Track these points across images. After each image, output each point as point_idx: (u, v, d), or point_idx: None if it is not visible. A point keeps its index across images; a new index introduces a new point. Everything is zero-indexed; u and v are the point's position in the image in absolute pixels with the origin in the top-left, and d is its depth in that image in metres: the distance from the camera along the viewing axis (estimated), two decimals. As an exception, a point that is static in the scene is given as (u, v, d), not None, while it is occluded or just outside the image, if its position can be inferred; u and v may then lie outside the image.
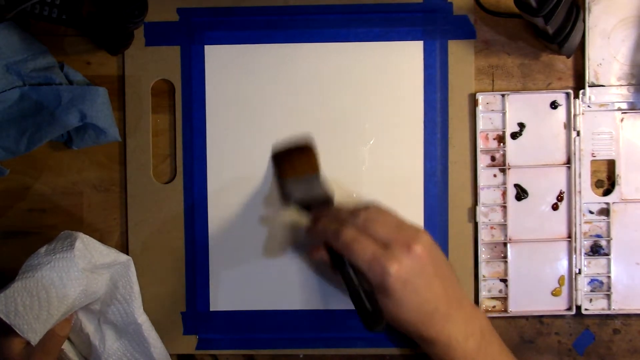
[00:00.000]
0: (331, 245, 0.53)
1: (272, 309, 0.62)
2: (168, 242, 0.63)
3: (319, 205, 0.58)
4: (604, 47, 0.62)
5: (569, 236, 0.62)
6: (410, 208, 0.62)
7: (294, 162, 0.61)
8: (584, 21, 0.61)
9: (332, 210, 0.56)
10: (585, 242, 0.62)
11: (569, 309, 0.62)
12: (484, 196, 0.62)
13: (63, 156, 0.63)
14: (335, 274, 0.54)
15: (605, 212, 0.62)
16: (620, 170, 0.62)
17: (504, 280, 0.62)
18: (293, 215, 0.61)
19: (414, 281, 0.50)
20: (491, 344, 0.54)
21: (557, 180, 0.62)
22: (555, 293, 0.62)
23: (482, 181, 0.62)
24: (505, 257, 0.62)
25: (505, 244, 0.62)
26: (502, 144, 0.62)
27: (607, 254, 0.62)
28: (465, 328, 0.53)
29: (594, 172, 0.62)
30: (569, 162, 0.62)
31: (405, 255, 0.50)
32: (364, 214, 0.52)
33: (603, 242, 0.62)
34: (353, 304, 0.52)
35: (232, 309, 0.63)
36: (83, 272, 0.52)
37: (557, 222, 0.62)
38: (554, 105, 0.62)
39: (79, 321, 0.57)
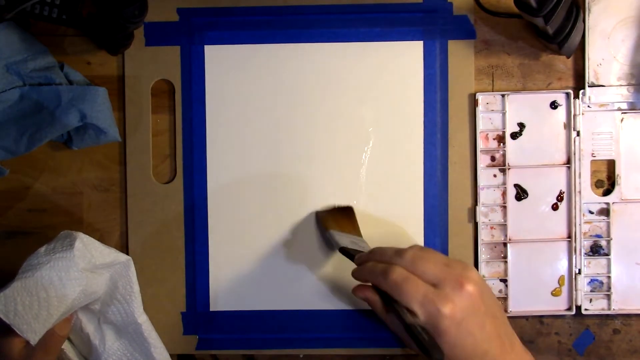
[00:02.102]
0: (380, 286, 0.52)
1: (272, 309, 0.62)
2: (168, 242, 0.63)
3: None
4: (604, 47, 0.62)
5: (569, 236, 0.62)
6: (410, 208, 0.62)
7: (338, 219, 0.61)
8: (584, 21, 0.61)
9: (377, 250, 0.54)
10: (585, 242, 0.62)
11: (569, 309, 0.62)
12: (484, 196, 0.62)
13: (63, 156, 0.63)
14: (387, 312, 0.53)
15: (605, 212, 0.62)
16: (620, 170, 0.62)
17: (504, 280, 0.62)
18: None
19: (468, 321, 0.49)
20: None
21: (557, 180, 0.62)
22: (555, 293, 0.62)
23: (482, 181, 0.62)
24: (505, 257, 0.62)
25: (505, 244, 0.62)
26: (502, 144, 0.62)
27: (607, 254, 0.62)
28: None
29: (594, 172, 0.63)
30: (569, 162, 0.62)
31: (458, 295, 0.49)
32: (410, 253, 0.51)
33: (603, 242, 0.62)
34: (411, 338, 0.50)
35: (232, 309, 0.63)
36: (83, 272, 0.52)
37: (557, 222, 0.62)
38: (554, 105, 0.62)
39: (79, 321, 0.57)
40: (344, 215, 0.61)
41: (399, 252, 0.52)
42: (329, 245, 0.62)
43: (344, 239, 0.58)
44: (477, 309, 0.49)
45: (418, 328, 0.50)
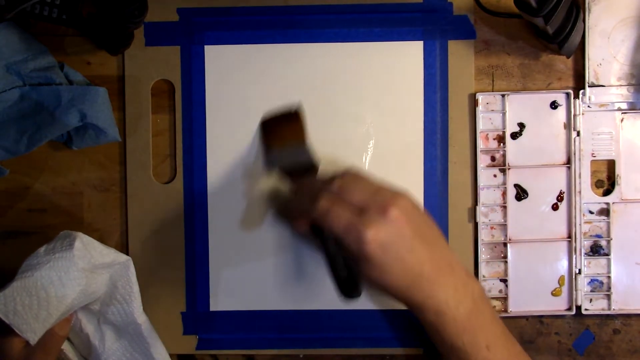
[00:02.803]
0: (309, 218, 0.51)
1: (272, 309, 0.62)
2: (168, 242, 0.63)
3: (301, 173, 0.56)
4: (604, 47, 0.62)
5: (569, 236, 0.62)
6: (410, 208, 0.62)
7: (282, 130, 0.60)
8: (584, 21, 0.61)
9: (311, 179, 0.53)
10: (585, 242, 0.62)
11: (569, 309, 0.62)
12: (484, 196, 0.62)
13: (63, 156, 0.63)
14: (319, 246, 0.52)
15: (605, 212, 0.62)
16: (620, 170, 0.62)
17: (504, 280, 0.62)
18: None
19: (394, 245, 0.48)
20: (483, 312, 0.51)
21: (557, 180, 0.62)
22: (555, 293, 0.62)
23: (482, 181, 0.62)
24: (505, 257, 0.62)
25: (505, 244, 0.62)
26: (502, 144, 0.62)
27: (607, 254, 0.62)
28: (455, 293, 0.50)
29: (594, 172, 0.63)
30: (569, 162, 0.62)
31: (382, 220, 0.47)
32: (338, 181, 0.50)
33: (603, 242, 0.62)
34: (329, 272, 0.50)
35: (232, 309, 0.63)
36: (82, 272, 0.52)
37: (557, 222, 0.62)
38: (554, 105, 0.62)
39: (79, 321, 0.57)
40: (287, 123, 0.60)
41: (328, 182, 0.50)
42: (269, 163, 0.61)
43: (284, 155, 0.57)
44: (403, 234, 0.48)
45: (337, 262, 0.49)
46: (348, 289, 0.50)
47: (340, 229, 0.48)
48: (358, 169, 0.52)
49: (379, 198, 0.49)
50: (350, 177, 0.51)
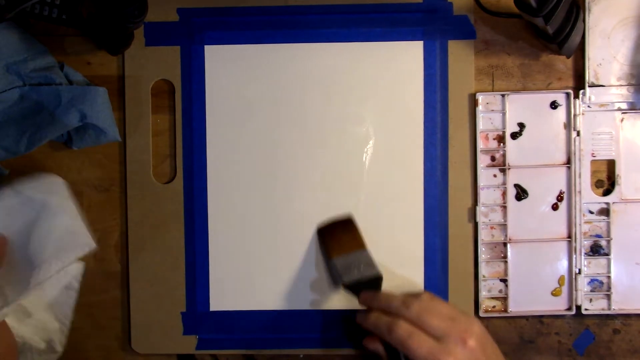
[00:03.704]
0: (385, 339, 0.53)
1: (272, 309, 0.62)
2: (168, 242, 0.63)
3: (369, 286, 0.57)
4: (604, 47, 0.62)
5: (569, 236, 0.62)
6: (410, 208, 0.62)
7: (340, 237, 0.61)
8: (584, 21, 0.61)
9: (382, 297, 0.55)
10: (585, 242, 0.62)
11: (569, 309, 0.62)
12: (484, 196, 0.62)
13: (63, 156, 0.63)
14: None
15: (605, 212, 0.62)
16: (620, 170, 0.62)
17: (504, 280, 0.62)
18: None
19: None
20: None
21: (557, 180, 0.62)
22: (555, 293, 0.62)
23: (482, 181, 0.62)
24: (505, 257, 0.62)
25: (505, 244, 0.62)
26: (502, 144, 0.62)
27: (607, 254, 0.62)
28: None
29: (594, 172, 0.63)
30: (569, 162, 0.62)
31: (461, 349, 0.50)
32: (417, 305, 0.52)
33: (603, 242, 0.62)
34: None
35: (232, 309, 0.63)
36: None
37: (557, 222, 0.62)
38: (554, 105, 0.62)
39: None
40: (344, 230, 0.61)
41: (405, 303, 0.53)
42: (332, 276, 0.62)
43: (347, 268, 0.58)
44: None
45: None
46: None
47: (421, 356, 0.50)
48: (431, 293, 0.55)
49: (457, 327, 0.52)
50: (426, 301, 0.53)
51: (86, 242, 0.58)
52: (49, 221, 0.56)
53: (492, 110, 0.62)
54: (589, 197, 0.62)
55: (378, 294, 0.56)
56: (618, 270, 0.62)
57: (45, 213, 0.56)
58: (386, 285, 0.59)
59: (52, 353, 0.61)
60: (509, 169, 0.62)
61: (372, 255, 0.60)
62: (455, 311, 0.53)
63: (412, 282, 0.62)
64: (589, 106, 0.62)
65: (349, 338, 0.62)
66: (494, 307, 0.62)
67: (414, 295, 0.54)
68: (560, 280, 0.62)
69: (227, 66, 0.62)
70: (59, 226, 0.57)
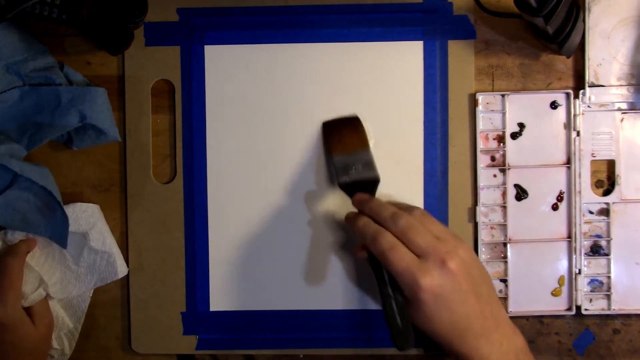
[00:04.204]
0: (368, 248, 0.52)
1: (272, 309, 0.62)
2: (168, 242, 0.63)
3: (365, 189, 0.57)
4: (604, 47, 0.62)
5: (569, 236, 0.62)
6: (410, 208, 0.62)
7: (344, 135, 0.60)
8: (584, 21, 0.61)
9: (375, 204, 0.54)
10: (585, 242, 0.62)
11: (569, 309, 0.62)
12: (484, 196, 0.62)
13: (63, 156, 0.63)
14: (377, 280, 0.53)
15: (605, 212, 0.62)
16: (620, 170, 0.62)
17: (504, 280, 0.62)
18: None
19: (447, 297, 0.49)
20: None
21: (557, 180, 0.62)
22: (555, 293, 0.62)
23: (482, 181, 0.62)
24: (505, 257, 0.62)
25: (505, 244, 0.62)
26: (502, 144, 0.62)
27: (607, 254, 0.62)
28: (500, 348, 0.51)
29: (594, 172, 0.63)
30: (569, 162, 0.62)
31: (439, 270, 0.49)
32: (405, 220, 0.51)
33: (603, 242, 0.62)
34: (384, 316, 0.51)
35: (232, 309, 0.63)
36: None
37: (557, 222, 0.62)
38: (554, 105, 0.62)
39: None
40: (349, 128, 0.60)
41: (394, 216, 0.52)
42: (332, 172, 0.61)
43: (345, 166, 0.57)
44: (459, 287, 0.50)
45: (394, 309, 0.51)
46: (401, 340, 0.51)
47: (398, 270, 0.50)
48: (424, 211, 0.53)
49: (441, 247, 0.50)
50: (417, 216, 0.52)
51: (122, 270, 0.62)
52: (92, 253, 0.61)
53: (492, 110, 0.62)
54: (589, 197, 0.62)
55: (371, 200, 0.55)
56: (618, 270, 0.62)
57: (88, 245, 0.61)
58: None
59: (61, 355, 0.62)
60: (509, 169, 0.62)
61: (372, 157, 0.59)
62: (446, 232, 0.51)
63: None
64: (589, 106, 0.62)
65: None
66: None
67: (406, 208, 0.53)
68: (560, 280, 0.62)
69: (227, 66, 0.62)
70: (101, 258, 0.61)
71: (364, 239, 0.53)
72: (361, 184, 0.57)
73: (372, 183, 0.57)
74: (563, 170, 0.62)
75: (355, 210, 0.57)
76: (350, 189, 0.57)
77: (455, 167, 0.62)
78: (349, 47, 0.62)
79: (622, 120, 0.62)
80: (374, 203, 0.54)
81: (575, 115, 0.61)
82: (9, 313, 0.56)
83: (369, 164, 0.58)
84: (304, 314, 0.62)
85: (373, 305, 0.62)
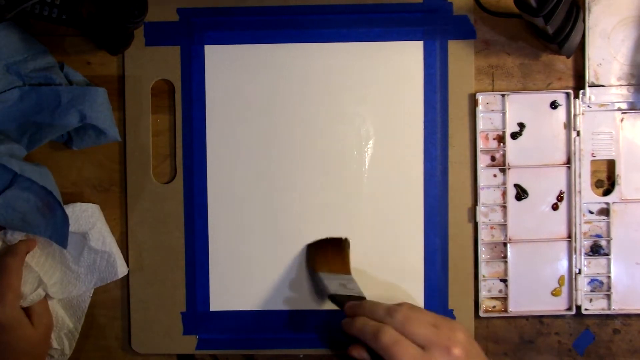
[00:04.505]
0: (370, 345, 0.52)
1: (272, 309, 0.62)
2: (168, 242, 0.63)
3: (353, 300, 0.57)
4: (604, 47, 0.62)
5: (569, 236, 0.62)
6: (410, 208, 0.62)
7: (329, 257, 0.61)
8: (584, 21, 0.61)
9: (367, 305, 0.55)
10: (585, 242, 0.62)
11: (569, 309, 0.62)
12: (484, 196, 0.62)
13: (63, 156, 0.63)
14: None
15: (605, 212, 0.62)
16: (620, 170, 0.62)
17: (504, 280, 0.62)
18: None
19: None
20: None
21: (557, 180, 0.62)
22: (555, 293, 0.62)
23: (482, 181, 0.62)
24: (505, 257, 0.62)
25: (505, 244, 0.62)
26: (502, 144, 0.62)
27: (607, 254, 0.62)
28: None
29: (594, 172, 0.63)
30: (569, 162, 0.62)
31: (446, 358, 0.50)
32: (401, 313, 0.52)
33: (603, 242, 0.62)
34: None
35: (232, 309, 0.63)
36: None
37: (557, 222, 0.62)
38: (554, 105, 0.62)
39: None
40: (334, 251, 0.61)
41: (389, 312, 0.53)
42: (316, 287, 0.62)
43: (333, 283, 0.58)
44: None
45: None
46: None
47: None
48: (410, 303, 0.54)
49: (441, 335, 0.51)
50: (410, 309, 0.53)
51: (122, 270, 0.62)
52: (92, 253, 0.61)
53: (492, 110, 0.62)
54: (589, 197, 0.62)
55: (363, 303, 0.56)
56: (618, 270, 0.62)
57: (88, 245, 0.61)
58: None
59: (61, 355, 0.62)
60: (509, 169, 0.62)
61: (354, 280, 0.60)
62: (438, 318, 0.53)
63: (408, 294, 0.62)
64: (589, 106, 0.62)
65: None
66: (494, 307, 0.62)
67: (396, 305, 0.54)
68: (560, 280, 0.62)
69: (227, 66, 0.62)
70: (101, 258, 0.61)
71: (363, 338, 0.53)
72: (351, 297, 0.57)
73: (360, 298, 0.58)
74: (563, 170, 0.62)
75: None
76: (340, 300, 0.57)
77: (455, 167, 0.62)
78: (348, 47, 0.62)
79: (622, 120, 0.62)
80: (367, 304, 0.55)
81: (575, 115, 0.61)
82: (7, 313, 0.56)
83: (355, 287, 0.59)
84: (304, 314, 0.62)
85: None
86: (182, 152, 0.63)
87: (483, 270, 0.62)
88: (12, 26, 0.60)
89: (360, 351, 0.54)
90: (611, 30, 0.61)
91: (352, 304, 0.56)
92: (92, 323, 0.63)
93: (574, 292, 0.62)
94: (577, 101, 0.61)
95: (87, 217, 0.61)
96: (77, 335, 0.62)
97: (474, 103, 0.62)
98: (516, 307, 0.62)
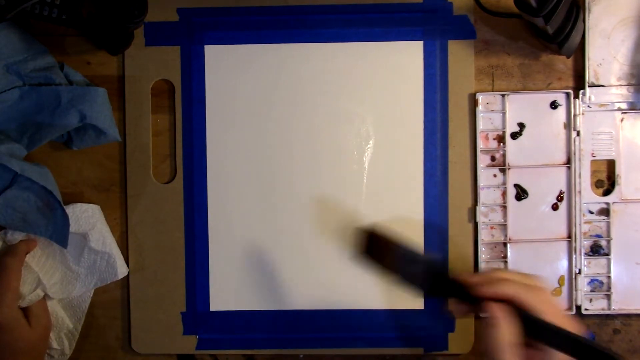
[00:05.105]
0: (524, 299, 0.47)
1: (272, 309, 0.62)
2: (168, 242, 0.63)
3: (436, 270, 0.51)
4: (604, 47, 0.62)
5: (569, 236, 0.62)
6: (410, 208, 0.62)
7: (380, 246, 0.52)
8: (584, 21, 0.61)
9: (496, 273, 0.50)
10: (585, 242, 0.62)
11: (569, 309, 0.62)
12: (484, 196, 0.62)
13: (63, 156, 0.63)
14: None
15: (605, 212, 0.62)
16: (620, 170, 0.62)
17: (504, 280, 0.62)
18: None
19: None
20: None
21: (557, 180, 0.62)
22: (555, 293, 0.62)
23: (482, 181, 0.62)
24: (505, 257, 0.62)
25: (505, 244, 0.62)
26: (502, 144, 0.62)
27: (607, 254, 0.62)
28: None
29: (594, 172, 0.62)
30: (569, 162, 0.62)
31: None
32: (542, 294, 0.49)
33: (603, 242, 0.62)
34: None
35: (232, 309, 0.63)
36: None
37: (557, 222, 0.62)
38: (554, 105, 0.62)
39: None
40: (382, 239, 0.53)
41: (524, 287, 0.48)
42: (404, 267, 0.52)
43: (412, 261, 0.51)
44: None
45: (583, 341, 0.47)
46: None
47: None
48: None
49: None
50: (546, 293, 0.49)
51: (122, 271, 0.62)
52: (93, 254, 0.61)
53: (492, 110, 0.62)
54: (589, 197, 0.62)
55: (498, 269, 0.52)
56: (618, 270, 0.62)
57: (89, 245, 0.61)
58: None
59: (61, 355, 0.62)
60: (509, 169, 0.62)
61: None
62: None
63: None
64: (589, 106, 0.62)
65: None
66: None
67: (536, 281, 0.50)
68: (560, 280, 0.62)
69: (227, 66, 0.62)
70: (101, 259, 0.61)
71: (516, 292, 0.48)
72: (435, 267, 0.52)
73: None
74: (563, 170, 0.62)
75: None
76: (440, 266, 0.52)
77: (455, 167, 0.62)
78: (349, 47, 0.62)
79: (622, 120, 0.62)
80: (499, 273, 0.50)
81: (575, 115, 0.61)
82: (5, 313, 0.56)
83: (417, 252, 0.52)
84: (304, 314, 0.62)
85: (373, 305, 0.62)
86: (182, 152, 0.63)
87: (483, 270, 0.62)
88: (12, 26, 0.60)
89: (462, 307, 0.50)
90: (611, 30, 0.61)
91: (493, 269, 0.53)
92: (92, 323, 0.63)
93: (574, 292, 0.62)
94: (577, 101, 0.61)
95: (87, 218, 0.61)
96: (77, 335, 0.62)
97: (474, 103, 0.62)
98: (516, 307, 0.62)
